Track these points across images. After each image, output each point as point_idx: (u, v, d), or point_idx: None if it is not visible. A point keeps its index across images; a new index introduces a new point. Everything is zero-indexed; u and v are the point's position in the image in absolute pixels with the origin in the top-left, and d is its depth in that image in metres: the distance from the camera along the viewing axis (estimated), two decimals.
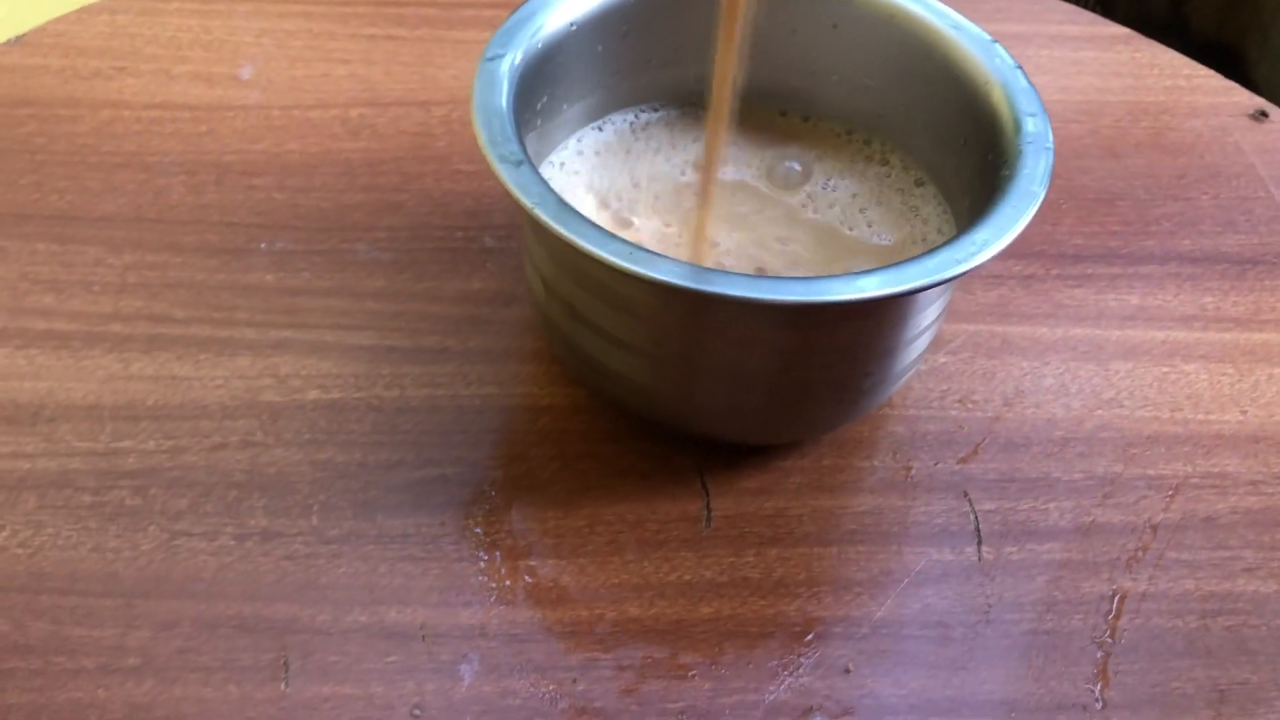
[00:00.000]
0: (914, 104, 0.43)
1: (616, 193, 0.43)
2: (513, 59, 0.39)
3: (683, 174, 0.44)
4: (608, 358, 0.39)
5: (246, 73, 0.55)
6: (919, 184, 0.44)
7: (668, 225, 0.42)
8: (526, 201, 0.35)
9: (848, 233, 0.43)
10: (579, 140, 0.44)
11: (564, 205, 0.35)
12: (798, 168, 0.44)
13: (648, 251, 0.34)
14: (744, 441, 0.42)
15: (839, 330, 0.37)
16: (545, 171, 0.43)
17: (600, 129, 0.45)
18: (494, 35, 0.40)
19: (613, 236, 0.35)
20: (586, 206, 0.43)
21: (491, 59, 0.39)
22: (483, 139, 0.37)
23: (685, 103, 0.46)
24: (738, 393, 0.39)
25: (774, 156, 0.45)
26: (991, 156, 0.39)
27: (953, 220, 0.42)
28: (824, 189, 0.44)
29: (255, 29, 0.57)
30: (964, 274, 0.34)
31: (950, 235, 0.42)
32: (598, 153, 0.44)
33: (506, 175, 0.36)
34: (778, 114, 0.46)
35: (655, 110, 0.46)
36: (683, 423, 0.41)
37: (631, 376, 0.39)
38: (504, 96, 0.38)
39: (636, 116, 0.45)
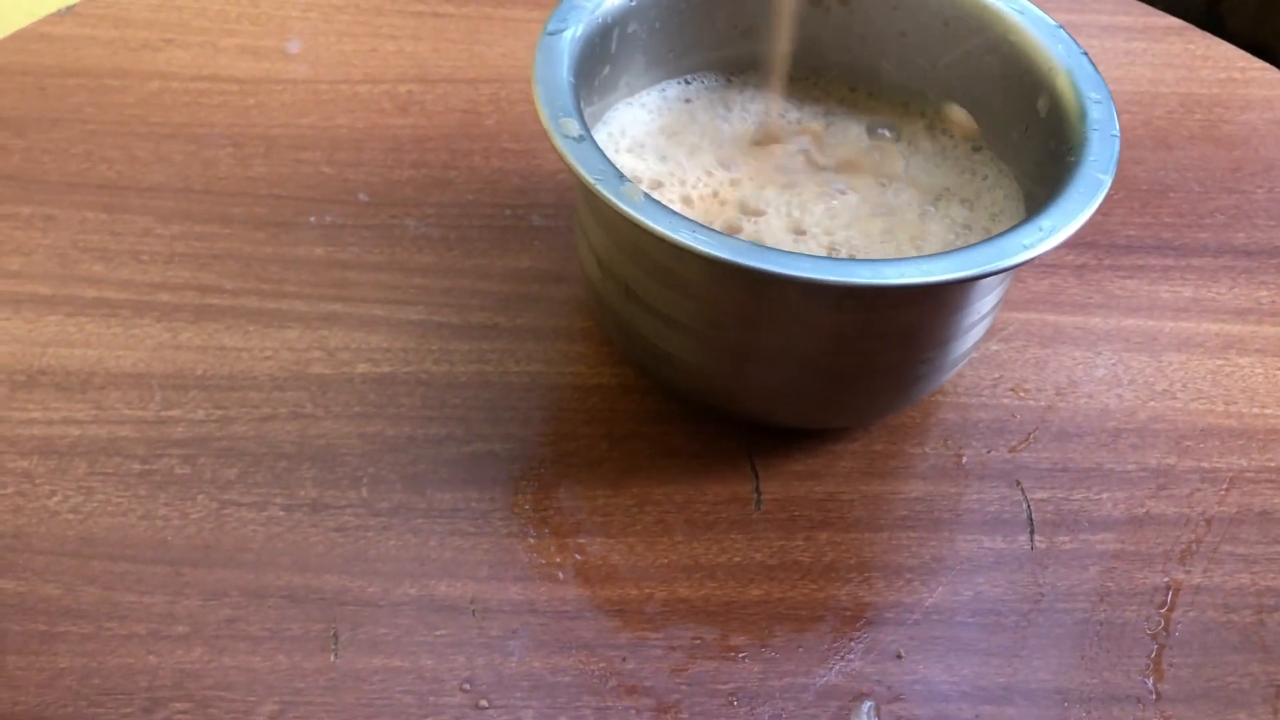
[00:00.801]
0: (977, 85, 0.43)
1: (670, 156, 0.43)
2: (573, 33, 0.39)
3: (737, 137, 0.44)
4: (661, 338, 0.39)
5: (294, 46, 0.54)
6: (976, 150, 0.44)
7: (716, 190, 0.42)
8: (588, 177, 0.35)
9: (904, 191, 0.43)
10: (632, 104, 0.44)
11: (625, 181, 0.35)
12: (884, 132, 0.44)
13: (709, 229, 0.34)
14: (795, 426, 0.42)
15: (900, 314, 0.37)
16: (598, 134, 0.43)
17: (662, 91, 0.44)
18: (554, 9, 0.40)
19: (673, 213, 0.34)
20: (638, 170, 0.42)
21: (553, 33, 0.39)
22: (544, 114, 0.36)
23: (742, 71, 0.45)
24: (791, 376, 0.39)
25: (836, 121, 0.45)
26: (1054, 144, 0.39)
27: (1012, 180, 0.42)
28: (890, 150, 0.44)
29: (303, 3, 0.56)
30: (1030, 260, 0.34)
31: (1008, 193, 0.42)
32: (654, 115, 0.44)
33: (569, 150, 0.35)
34: (847, 89, 0.46)
35: (710, 79, 0.45)
36: (734, 405, 0.41)
37: (684, 357, 0.39)
38: (565, 71, 0.38)
39: (687, 83, 0.45)
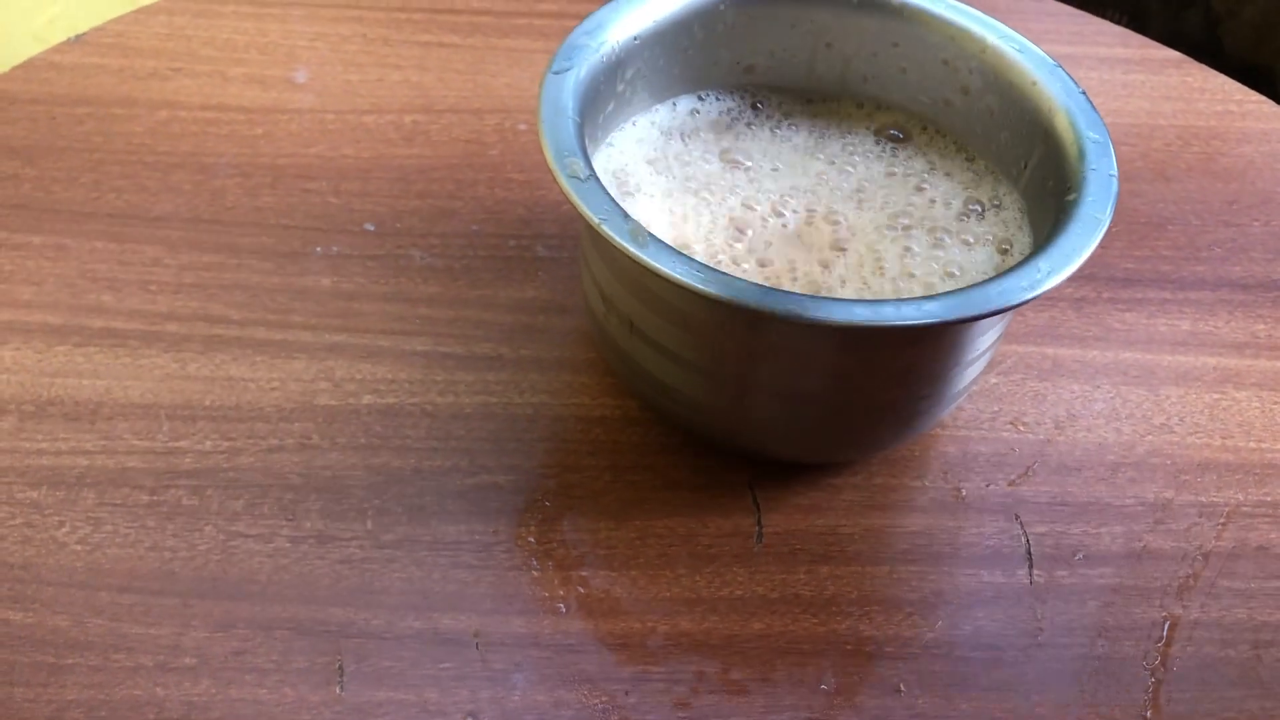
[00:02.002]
0: (975, 120, 0.44)
1: (664, 180, 0.43)
2: (578, 73, 0.40)
3: (724, 160, 0.44)
4: (664, 373, 0.39)
5: (301, 76, 0.55)
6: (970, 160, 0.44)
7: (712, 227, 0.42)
8: (594, 217, 0.35)
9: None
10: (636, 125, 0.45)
11: (630, 221, 0.35)
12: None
13: (713, 269, 0.35)
14: (797, 460, 0.42)
15: (900, 353, 0.37)
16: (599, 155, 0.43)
17: (655, 121, 0.45)
18: (559, 48, 0.40)
19: (676, 252, 0.35)
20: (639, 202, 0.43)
21: (558, 72, 0.39)
22: (550, 154, 0.37)
23: (744, 95, 0.46)
24: (793, 412, 0.39)
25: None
26: (1052, 182, 0.39)
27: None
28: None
29: (310, 33, 0.57)
30: (1028, 301, 0.35)
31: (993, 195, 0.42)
32: (653, 135, 0.44)
33: (574, 190, 0.36)
34: (854, 106, 0.46)
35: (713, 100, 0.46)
36: (737, 439, 0.41)
37: (687, 392, 0.39)
38: (570, 110, 0.38)
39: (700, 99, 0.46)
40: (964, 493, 0.42)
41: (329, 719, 0.36)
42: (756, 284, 0.35)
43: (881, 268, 0.40)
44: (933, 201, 0.43)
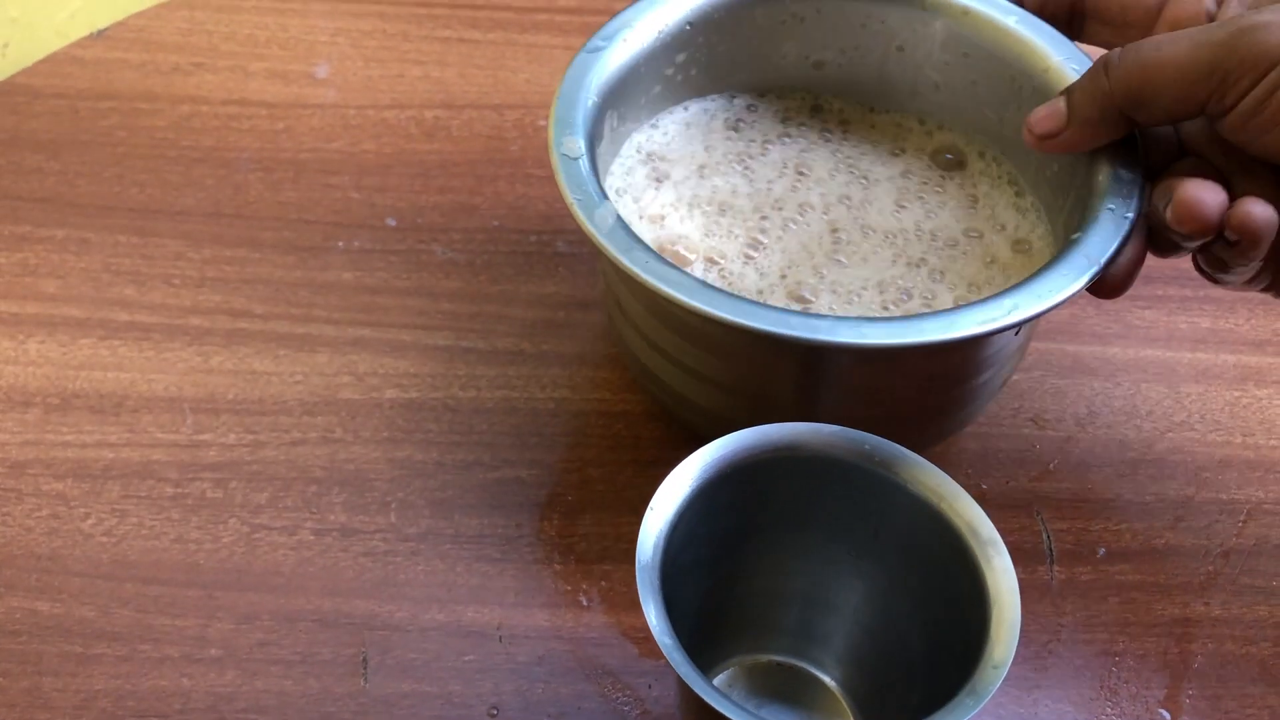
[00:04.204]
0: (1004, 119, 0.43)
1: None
2: (613, 52, 0.40)
3: (764, 160, 0.44)
4: (683, 386, 0.39)
5: (322, 71, 0.55)
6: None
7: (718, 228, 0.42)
8: (569, 195, 0.36)
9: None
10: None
11: (602, 204, 0.35)
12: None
13: (724, 293, 0.34)
14: None
15: (923, 365, 0.37)
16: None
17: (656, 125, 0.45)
18: (604, 24, 0.40)
19: (690, 277, 0.35)
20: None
21: (591, 51, 0.39)
22: (551, 127, 0.37)
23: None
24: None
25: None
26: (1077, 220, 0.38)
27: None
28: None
29: (331, 28, 0.57)
30: (1058, 307, 0.34)
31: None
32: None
33: (559, 167, 0.36)
34: (917, 121, 0.45)
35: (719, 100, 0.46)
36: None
37: (706, 406, 0.39)
38: (592, 88, 0.38)
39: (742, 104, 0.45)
40: (985, 489, 0.43)
41: (354, 711, 0.36)
42: (768, 307, 0.34)
43: (908, 291, 0.40)
44: (971, 235, 0.42)
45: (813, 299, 0.39)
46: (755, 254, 0.41)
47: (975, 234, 0.42)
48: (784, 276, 0.40)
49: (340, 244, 0.48)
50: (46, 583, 0.38)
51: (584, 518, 0.41)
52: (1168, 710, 0.38)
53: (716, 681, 0.35)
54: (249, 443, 0.42)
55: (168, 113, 0.53)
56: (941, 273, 0.41)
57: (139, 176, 0.50)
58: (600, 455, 0.42)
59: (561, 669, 0.37)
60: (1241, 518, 0.43)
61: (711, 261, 0.41)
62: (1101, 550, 0.41)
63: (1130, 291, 0.49)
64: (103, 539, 0.39)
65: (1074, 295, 0.35)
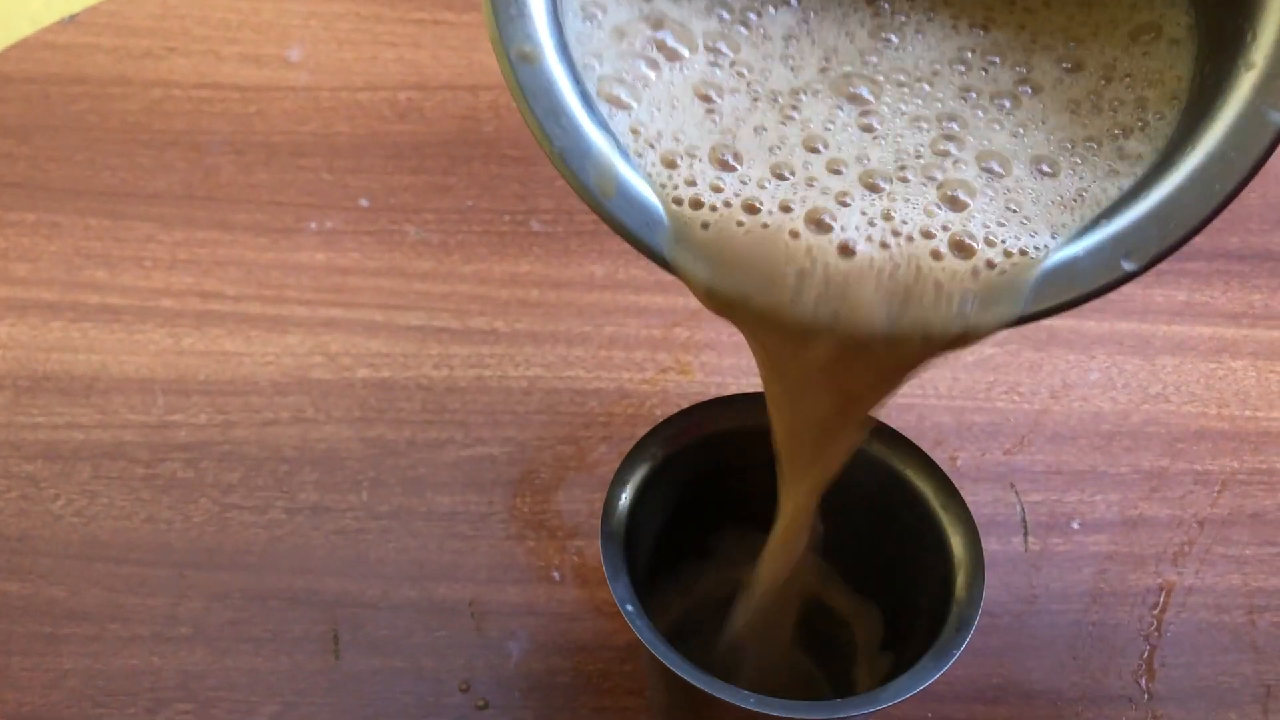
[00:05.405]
0: None
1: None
2: None
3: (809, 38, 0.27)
4: None
5: (295, 54, 0.55)
6: None
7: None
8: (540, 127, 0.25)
9: None
10: None
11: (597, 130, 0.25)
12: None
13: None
14: None
15: None
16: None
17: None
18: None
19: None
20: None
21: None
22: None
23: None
24: None
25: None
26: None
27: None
28: None
29: (303, 11, 0.57)
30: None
31: None
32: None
33: (518, 78, 0.25)
34: None
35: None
36: None
37: None
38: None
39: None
40: (959, 462, 0.42)
41: (325, 687, 0.36)
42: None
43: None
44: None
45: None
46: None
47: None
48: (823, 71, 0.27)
49: (313, 225, 0.48)
50: (16, 564, 0.38)
51: (557, 494, 0.41)
52: (1141, 679, 0.38)
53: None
54: (220, 423, 0.42)
55: (139, 96, 0.52)
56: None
57: (110, 160, 0.50)
58: (573, 433, 0.42)
59: (534, 644, 0.37)
60: (1216, 488, 0.43)
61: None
62: (1076, 522, 0.41)
63: None
64: (73, 519, 0.39)
65: None
